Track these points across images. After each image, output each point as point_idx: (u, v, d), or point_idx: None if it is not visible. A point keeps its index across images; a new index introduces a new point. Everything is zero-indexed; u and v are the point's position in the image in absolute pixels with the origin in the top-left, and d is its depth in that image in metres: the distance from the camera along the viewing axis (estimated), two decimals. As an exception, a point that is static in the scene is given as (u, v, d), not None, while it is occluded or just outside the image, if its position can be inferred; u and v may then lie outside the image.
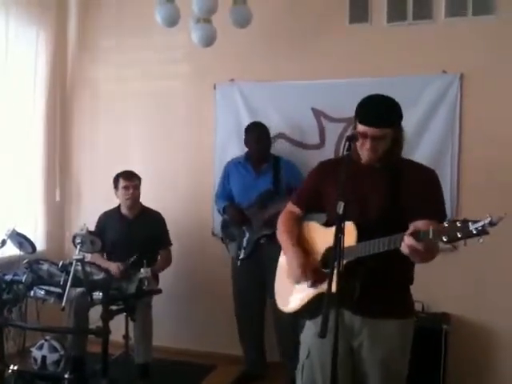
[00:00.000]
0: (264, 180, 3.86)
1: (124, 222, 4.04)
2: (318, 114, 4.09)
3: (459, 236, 1.64)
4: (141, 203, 4.10)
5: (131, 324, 3.68)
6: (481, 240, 1.62)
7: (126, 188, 3.95)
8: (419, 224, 1.96)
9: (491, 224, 1.58)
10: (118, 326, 3.59)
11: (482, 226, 1.59)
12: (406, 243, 1.81)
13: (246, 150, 4.00)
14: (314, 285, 2.16)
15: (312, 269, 2.18)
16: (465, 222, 1.64)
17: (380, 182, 2.12)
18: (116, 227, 4.03)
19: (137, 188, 3.99)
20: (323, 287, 2.08)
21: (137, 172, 4.05)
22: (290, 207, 2.44)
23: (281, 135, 4.17)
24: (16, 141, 4.32)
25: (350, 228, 1.98)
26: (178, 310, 4.51)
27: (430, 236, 1.72)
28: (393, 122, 2.12)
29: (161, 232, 4.08)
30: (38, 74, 4.48)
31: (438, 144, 3.88)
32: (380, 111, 2.10)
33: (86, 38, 4.77)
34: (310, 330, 2.25)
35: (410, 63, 3.89)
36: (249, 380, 3.94)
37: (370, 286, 1.96)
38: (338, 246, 1.83)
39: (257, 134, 3.89)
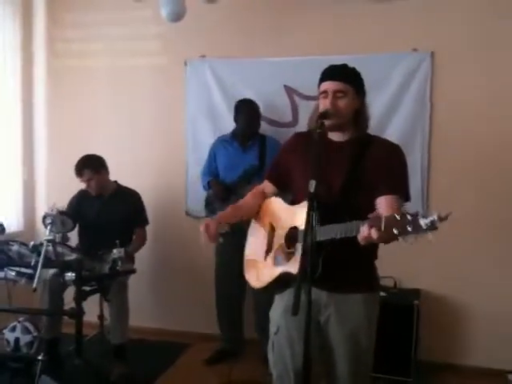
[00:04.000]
0: (250, 156, 3.86)
1: (99, 201, 3.97)
2: (290, 91, 4.07)
3: (410, 230, 1.62)
4: (116, 182, 4.05)
5: (107, 304, 3.67)
6: (430, 237, 1.60)
7: (81, 181, 3.90)
8: (380, 209, 2.00)
9: (440, 219, 1.58)
10: (94, 307, 3.57)
11: (431, 222, 1.58)
12: (362, 234, 1.76)
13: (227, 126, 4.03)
14: (279, 263, 2.17)
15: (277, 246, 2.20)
16: (415, 215, 1.62)
17: (344, 159, 2.12)
18: (91, 206, 3.97)
19: (92, 179, 3.87)
20: (288, 266, 2.10)
21: (106, 151, 3.97)
22: (265, 183, 2.45)
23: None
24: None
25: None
26: (152, 289, 4.51)
27: (382, 228, 1.68)
28: (353, 79, 2.15)
29: (137, 210, 4.04)
30: (5, 50, 4.37)
31: (409, 122, 3.91)
32: (339, 67, 2.17)
33: (53, 12, 4.64)
34: (278, 306, 2.27)
35: (380, 41, 3.90)
36: (224, 357, 3.96)
37: (333, 262, 1.95)
38: (309, 223, 1.83)
39: (247, 111, 3.89)
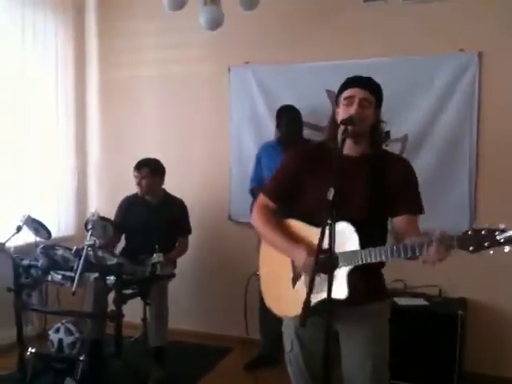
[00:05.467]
0: None
1: (146, 207, 4.04)
2: (332, 96, 3.99)
3: (486, 245, 1.68)
4: (164, 189, 4.10)
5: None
6: (507, 249, 1.65)
7: (135, 177, 3.96)
8: (401, 228, 2.06)
9: None
10: (138, 309, 3.64)
11: (510, 236, 1.63)
12: (436, 251, 1.77)
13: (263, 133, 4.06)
14: (318, 291, 2.05)
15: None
16: (490, 231, 1.67)
17: (361, 176, 2.09)
18: (138, 212, 4.06)
19: (146, 178, 3.93)
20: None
21: (154, 157, 4.03)
22: (263, 200, 2.30)
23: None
24: (37, 128, 4.40)
25: (349, 231, 1.92)
26: (194, 293, 4.57)
27: (455, 245, 1.73)
28: (377, 91, 2.13)
29: (182, 219, 4.09)
30: (58, 59, 4.56)
31: (456, 125, 3.77)
32: (366, 77, 2.15)
33: (103, 23, 4.81)
34: (289, 324, 2.26)
35: (426, 42, 3.79)
36: (263, 362, 3.96)
37: (355, 280, 1.97)
38: (330, 235, 1.79)
39: (287, 118, 3.87)
